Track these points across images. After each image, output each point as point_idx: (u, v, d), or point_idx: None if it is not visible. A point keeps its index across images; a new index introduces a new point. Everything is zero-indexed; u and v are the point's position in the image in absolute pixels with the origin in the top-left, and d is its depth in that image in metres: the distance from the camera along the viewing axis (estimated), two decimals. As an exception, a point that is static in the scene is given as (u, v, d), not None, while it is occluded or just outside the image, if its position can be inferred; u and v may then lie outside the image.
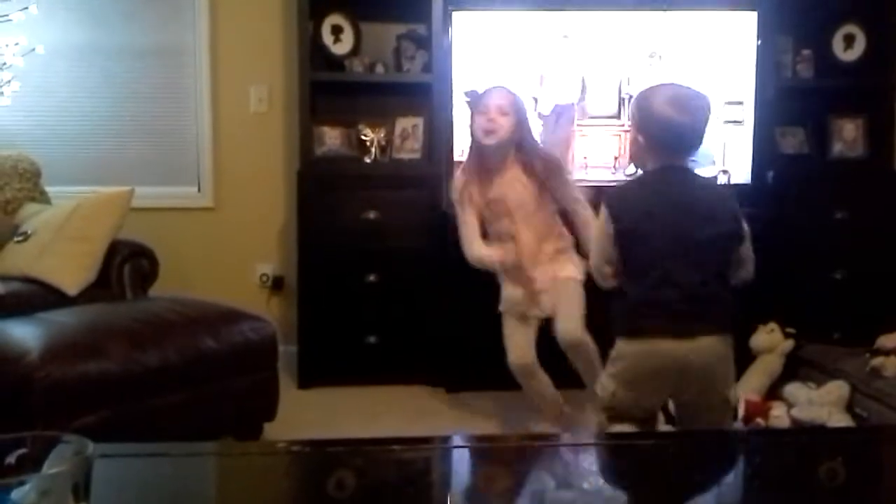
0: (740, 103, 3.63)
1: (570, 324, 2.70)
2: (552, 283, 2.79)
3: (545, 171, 2.78)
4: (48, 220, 3.08)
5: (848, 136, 3.88)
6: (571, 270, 2.81)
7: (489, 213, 2.80)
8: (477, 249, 2.78)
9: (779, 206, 3.60)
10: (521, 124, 2.76)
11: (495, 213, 2.79)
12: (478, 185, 2.80)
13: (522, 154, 2.78)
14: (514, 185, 2.78)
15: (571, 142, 3.40)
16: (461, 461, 1.18)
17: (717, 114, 3.64)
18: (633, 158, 2.39)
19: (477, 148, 2.80)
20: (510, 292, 2.83)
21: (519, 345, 2.79)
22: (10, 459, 0.67)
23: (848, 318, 3.60)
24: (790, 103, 3.75)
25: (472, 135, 2.82)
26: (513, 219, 2.78)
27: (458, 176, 2.87)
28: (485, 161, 2.80)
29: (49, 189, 3.40)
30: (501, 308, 2.85)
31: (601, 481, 1.13)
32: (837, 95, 3.88)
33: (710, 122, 2.20)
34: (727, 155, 3.68)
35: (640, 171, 2.27)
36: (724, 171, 3.68)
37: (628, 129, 2.44)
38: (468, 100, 2.87)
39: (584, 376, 2.74)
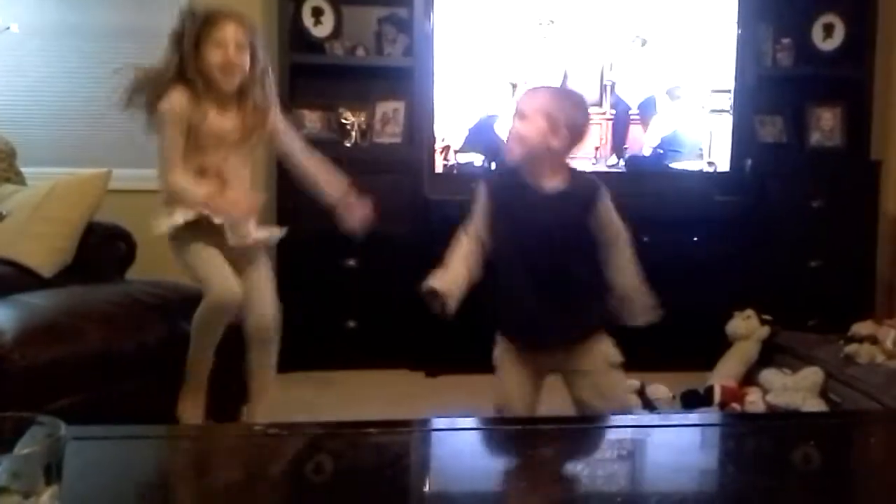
0: (728, 91, 3.65)
1: (269, 310, 2.55)
2: (246, 238, 2.54)
3: (260, 116, 2.53)
4: (23, 202, 3.04)
5: (826, 125, 3.91)
6: (265, 232, 2.62)
7: (197, 142, 2.47)
8: (180, 178, 2.45)
9: (756, 194, 3.63)
10: (257, 63, 2.50)
11: (204, 145, 2.47)
12: (197, 109, 2.44)
13: (252, 92, 2.50)
14: (234, 120, 2.50)
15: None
16: (439, 444, 1.18)
17: (704, 103, 3.66)
18: (537, 149, 2.09)
19: (205, 80, 2.44)
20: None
21: (226, 272, 2.46)
22: (-19, 439, 0.66)
23: (823, 306, 3.65)
24: (769, 92, 3.77)
25: (187, 63, 2.41)
26: (226, 156, 2.50)
27: (177, 94, 2.43)
28: (209, 90, 2.45)
29: (24, 170, 3.34)
30: (191, 218, 2.44)
31: (581, 465, 1.14)
32: (816, 84, 3.90)
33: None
34: (712, 145, 3.70)
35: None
36: (711, 163, 3.69)
37: (544, 120, 2.08)
38: (188, 20, 2.47)
39: (258, 362, 2.59)
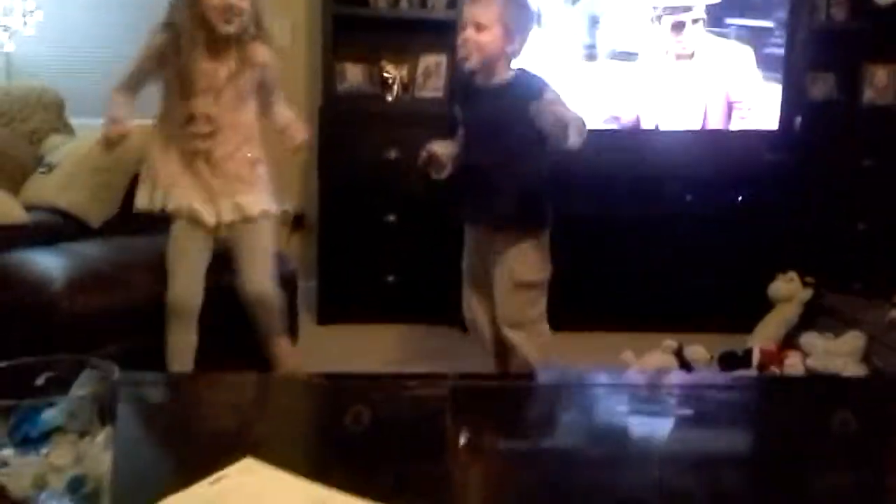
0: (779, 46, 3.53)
1: (259, 276, 2.45)
2: (236, 212, 2.44)
3: (260, 68, 2.45)
4: (72, 152, 3.09)
5: (880, 82, 3.79)
6: (265, 200, 2.48)
7: (184, 88, 2.36)
8: (116, 93, 2.41)
9: (805, 153, 3.54)
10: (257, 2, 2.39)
11: (193, 91, 2.36)
12: (185, 53, 2.34)
13: (248, 33, 2.39)
14: (226, 63, 2.38)
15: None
16: (477, 398, 1.19)
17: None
18: (497, 55, 2.35)
19: (199, 25, 2.34)
20: (179, 179, 2.41)
21: (189, 272, 2.40)
22: (40, 381, 0.69)
23: (870, 269, 3.58)
24: (822, 48, 3.65)
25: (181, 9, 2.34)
26: (215, 99, 2.39)
27: (166, 32, 2.36)
28: (202, 34, 2.35)
29: (73, 120, 3.40)
30: (170, 207, 2.41)
31: (614, 423, 1.15)
32: (871, 40, 3.77)
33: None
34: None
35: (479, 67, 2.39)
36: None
37: (501, 29, 2.30)
38: None
39: (266, 329, 2.50)
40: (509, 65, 2.39)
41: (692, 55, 3.52)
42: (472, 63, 2.35)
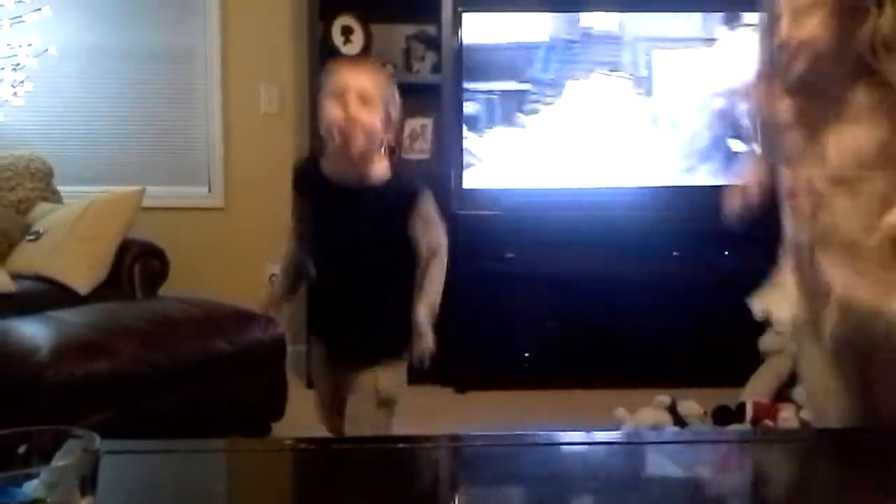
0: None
1: None
2: None
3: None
4: (60, 220, 3.10)
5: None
6: None
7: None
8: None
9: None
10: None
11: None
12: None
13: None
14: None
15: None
16: (468, 460, 1.18)
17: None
18: (375, 142, 1.83)
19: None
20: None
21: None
22: (20, 451, 0.68)
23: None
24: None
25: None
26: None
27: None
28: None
29: (61, 189, 3.42)
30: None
31: (608, 480, 1.13)
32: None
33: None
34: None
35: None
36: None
37: (384, 110, 1.81)
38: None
39: None
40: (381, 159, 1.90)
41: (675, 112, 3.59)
42: (357, 147, 1.80)
